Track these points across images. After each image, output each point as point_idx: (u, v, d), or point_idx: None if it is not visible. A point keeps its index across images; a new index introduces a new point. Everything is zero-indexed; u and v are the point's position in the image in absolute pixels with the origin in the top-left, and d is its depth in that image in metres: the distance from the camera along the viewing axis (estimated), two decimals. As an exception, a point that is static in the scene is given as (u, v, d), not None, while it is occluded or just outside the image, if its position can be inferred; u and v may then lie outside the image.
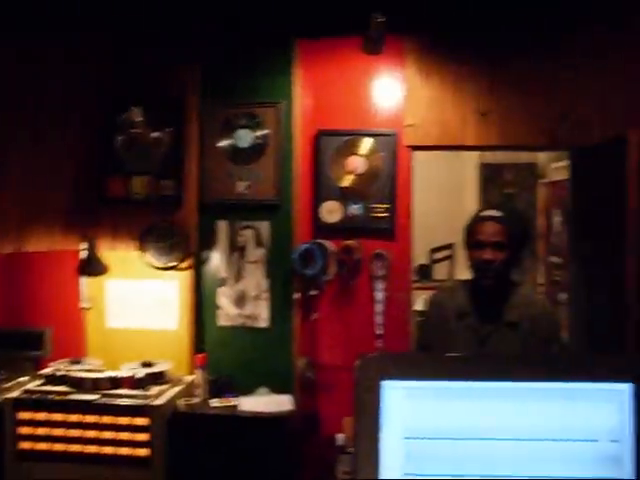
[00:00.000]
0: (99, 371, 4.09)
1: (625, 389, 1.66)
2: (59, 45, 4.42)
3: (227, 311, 4.48)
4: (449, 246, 7.32)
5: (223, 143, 4.46)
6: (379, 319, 4.36)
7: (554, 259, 5.99)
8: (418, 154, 4.49)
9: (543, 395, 1.67)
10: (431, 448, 1.65)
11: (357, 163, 4.37)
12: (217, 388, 4.23)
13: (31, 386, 4.01)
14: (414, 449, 1.65)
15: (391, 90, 4.39)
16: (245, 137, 4.42)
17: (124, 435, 3.78)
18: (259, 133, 4.42)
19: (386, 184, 4.35)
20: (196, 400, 4.09)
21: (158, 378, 4.08)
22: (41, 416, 3.85)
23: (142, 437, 3.76)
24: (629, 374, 1.67)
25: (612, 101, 4.16)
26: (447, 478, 1.64)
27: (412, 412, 1.65)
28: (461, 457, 1.65)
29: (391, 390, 1.65)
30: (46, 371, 4.13)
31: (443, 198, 7.13)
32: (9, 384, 4.05)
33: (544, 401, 1.67)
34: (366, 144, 4.37)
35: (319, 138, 4.40)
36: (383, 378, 1.65)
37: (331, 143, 4.39)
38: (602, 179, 3.90)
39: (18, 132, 4.37)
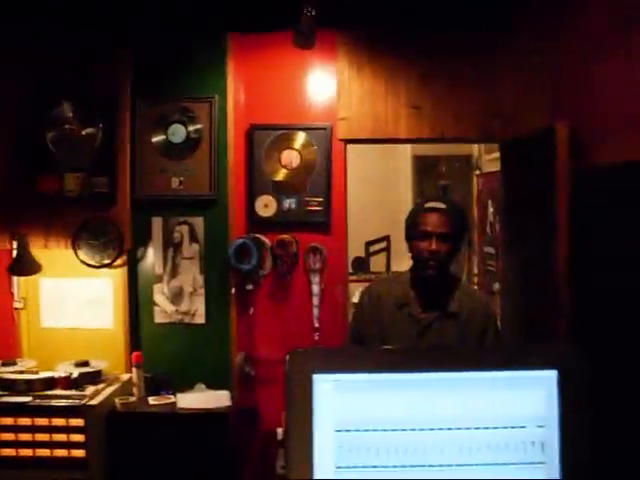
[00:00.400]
0: (33, 372, 4.01)
1: (552, 376, 1.69)
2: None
3: (163, 308, 4.45)
4: (385, 238, 7.37)
5: (157, 138, 4.42)
6: (316, 312, 4.38)
7: (488, 249, 6.09)
8: (353, 147, 4.52)
9: (472, 384, 1.70)
10: (362, 440, 1.66)
11: (291, 157, 4.38)
12: (154, 386, 4.19)
13: (-38, 390, 3.92)
14: (345, 442, 1.66)
15: (324, 84, 4.41)
16: (179, 132, 4.39)
17: (59, 437, 3.70)
18: (192, 128, 4.39)
19: (320, 178, 4.36)
20: (133, 399, 4.05)
21: (94, 377, 4.03)
22: (-27, 420, 3.77)
23: (78, 438, 3.70)
24: (555, 361, 1.71)
25: (542, 94, 4.24)
26: (379, 469, 1.65)
27: (343, 405, 1.66)
28: (392, 448, 1.66)
29: (322, 384, 1.66)
30: (-22, 374, 4.04)
31: (378, 191, 7.17)
32: (-61, 388, 3.95)
33: (473, 390, 1.69)
34: (300, 138, 4.37)
35: (253, 132, 4.39)
36: (314, 372, 1.66)
37: (265, 137, 4.38)
38: (532, 170, 3.97)
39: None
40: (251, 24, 4.37)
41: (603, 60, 3.35)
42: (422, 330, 2.95)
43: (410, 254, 3.05)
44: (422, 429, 1.66)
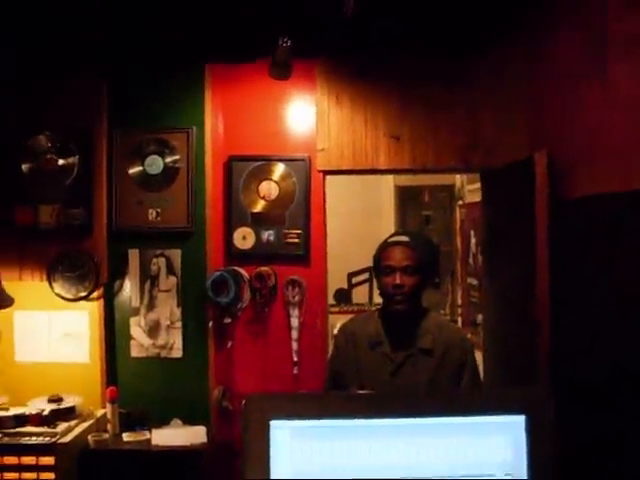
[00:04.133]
0: (3, 409, 3.91)
1: (520, 421, 1.64)
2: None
3: (140, 342, 4.37)
4: (367, 270, 7.27)
5: (134, 170, 4.36)
6: (295, 346, 4.31)
7: (471, 280, 6.03)
8: (335, 178, 4.49)
9: (438, 431, 1.64)
10: (321, 489, 1.60)
11: (270, 188, 4.34)
12: (130, 422, 4.10)
13: None
14: (303, 491, 1.60)
15: (303, 114, 4.39)
16: (156, 163, 4.34)
17: (29, 475, 3.59)
18: (170, 159, 4.34)
19: (299, 209, 4.33)
20: (106, 435, 3.96)
21: (67, 414, 3.92)
22: (-60, 460, 3.66)
23: (48, 476, 3.59)
24: (523, 406, 1.65)
25: (522, 124, 4.21)
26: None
27: (301, 452, 1.60)
28: (352, 497, 1.60)
29: (279, 430, 1.60)
30: (-53, 411, 3.93)
31: (361, 222, 7.08)
32: None
33: (439, 437, 1.64)
34: (278, 169, 4.34)
35: (231, 164, 4.35)
36: (271, 418, 1.60)
37: (243, 168, 4.35)
38: (512, 201, 3.93)
39: None
40: (229, 54, 4.34)
41: (579, 91, 3.33)
42: (395, 370, 2.90)
43: (379, 290, 3.01)
44: (384, 478, 1.60)
